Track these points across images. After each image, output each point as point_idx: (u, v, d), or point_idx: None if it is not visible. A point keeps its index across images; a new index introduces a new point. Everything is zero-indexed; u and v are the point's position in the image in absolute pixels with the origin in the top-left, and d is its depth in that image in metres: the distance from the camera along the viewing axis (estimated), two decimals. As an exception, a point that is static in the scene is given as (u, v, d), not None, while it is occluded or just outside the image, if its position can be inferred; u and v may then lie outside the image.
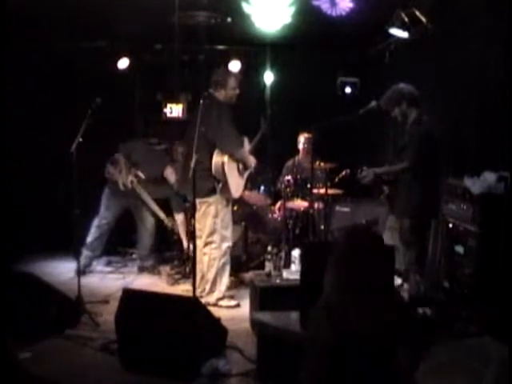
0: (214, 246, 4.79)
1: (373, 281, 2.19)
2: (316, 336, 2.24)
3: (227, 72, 5.25)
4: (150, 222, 5.91)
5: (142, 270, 5.91)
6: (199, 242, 4.71)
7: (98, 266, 6.00)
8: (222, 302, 4.78)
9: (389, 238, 4.93)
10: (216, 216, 4.77)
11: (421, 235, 4.73)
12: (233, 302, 4.85)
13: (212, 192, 4.71)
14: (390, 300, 2.29)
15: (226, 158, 4.74)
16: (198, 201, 4.49)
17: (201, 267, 4.78)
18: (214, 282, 4.78)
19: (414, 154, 4.44)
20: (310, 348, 2.26)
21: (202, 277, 4.84)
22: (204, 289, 4.79)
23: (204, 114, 4.36)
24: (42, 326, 3.85)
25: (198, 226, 4.52)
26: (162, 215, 5.81)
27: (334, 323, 2.17)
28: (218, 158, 4.71)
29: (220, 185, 4.74)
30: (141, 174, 5.63)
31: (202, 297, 4.66)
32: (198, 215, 4.60)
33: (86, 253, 5.72)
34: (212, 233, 4.77)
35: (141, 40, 6.54)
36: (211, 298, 4.74)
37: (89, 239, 5.76)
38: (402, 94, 4.56)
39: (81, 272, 5.57)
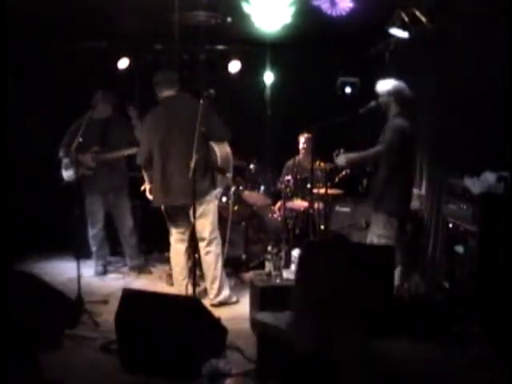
0: (216, 241, 4.80)
1: (331, 295, 2.05)
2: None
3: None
4: (129, 221, 5.85)
5: (132, 269, 5.88)
6: (201, 243, 4.73)
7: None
8: (229, 300, 4.81)
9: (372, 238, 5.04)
10: (215, 212, 4.79)
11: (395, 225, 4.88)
12: (234, 298, 4.87)
13: (209, 190, 4.70)
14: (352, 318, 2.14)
15: (227, 147, 4.76)
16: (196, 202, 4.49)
17: (206, 267, 4.78)
18: (221, 279, 4.78)
19: (388, 139, 4.57)
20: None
21: (203, 276, 4.86)
22: (212, 289, 4.78)
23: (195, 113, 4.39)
24: (42, 326, 3.85)
25: (198, 227, 4.50)
26: (130, 151, 5.62)
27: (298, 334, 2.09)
28: (222, 149, 4.71)
29: (228, 175, 4.78)
30: (96, 148, 5.51)
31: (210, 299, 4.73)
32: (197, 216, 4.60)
33: (97, 262, 5.76)
34: (214, 229, 4.79)
35: (141, 40, 6.54)
36: (219, 298, 4.75)
37: (93, 250, 5.77)
38: (395, 88, 4.74)
39: (102, 274, 5.75)
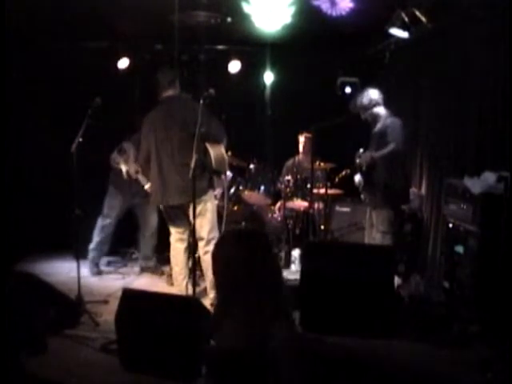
0: (215, 241, 4.77)
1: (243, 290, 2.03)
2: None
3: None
4: (153, 221, 5.85)
5: (145, 270, 5.89)
6: (200, 243, 4.72)
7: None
8: None
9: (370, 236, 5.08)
10: (213, 212, 4.77)
11: (397, 222, 4.96)
12: None
13: (206, 189, 4.67)
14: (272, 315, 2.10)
15: (222, 149, 4.74)
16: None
17: (205, 267, 4.77)
18: None
19: (398, 137, 4.72)
20: None
21: (203, 276, 4.85)
22: (211, 288, 4.74)
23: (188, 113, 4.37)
24: (42, 326, 3.85)
25: (196, 226, 4.47)
26: None
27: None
28: (217, 151, 4.67)
29: (223, 176, 4.75)
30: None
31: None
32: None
33: (92, 254, 5.73)
34: (212, 229, 4.77)
35: (141, 40, 6.54)
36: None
37: (95, 240, 5.74)
38: (370, 99, 5.01)
39: (98, 274, 5.71)
